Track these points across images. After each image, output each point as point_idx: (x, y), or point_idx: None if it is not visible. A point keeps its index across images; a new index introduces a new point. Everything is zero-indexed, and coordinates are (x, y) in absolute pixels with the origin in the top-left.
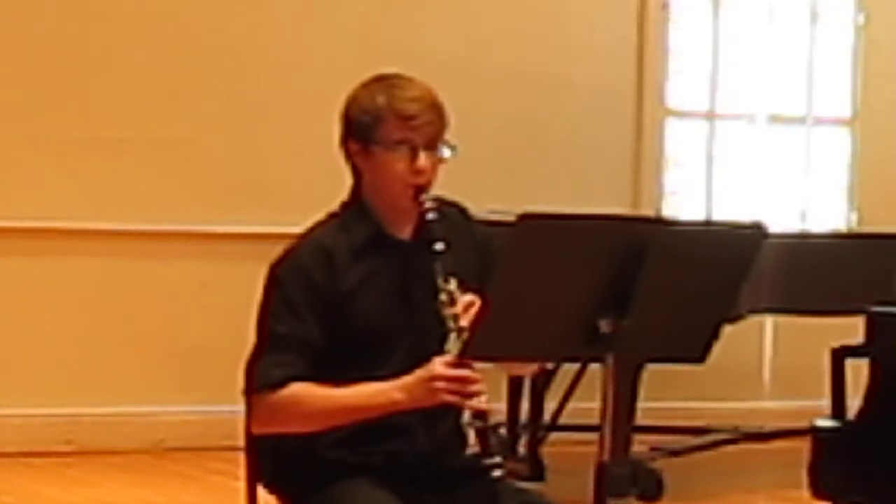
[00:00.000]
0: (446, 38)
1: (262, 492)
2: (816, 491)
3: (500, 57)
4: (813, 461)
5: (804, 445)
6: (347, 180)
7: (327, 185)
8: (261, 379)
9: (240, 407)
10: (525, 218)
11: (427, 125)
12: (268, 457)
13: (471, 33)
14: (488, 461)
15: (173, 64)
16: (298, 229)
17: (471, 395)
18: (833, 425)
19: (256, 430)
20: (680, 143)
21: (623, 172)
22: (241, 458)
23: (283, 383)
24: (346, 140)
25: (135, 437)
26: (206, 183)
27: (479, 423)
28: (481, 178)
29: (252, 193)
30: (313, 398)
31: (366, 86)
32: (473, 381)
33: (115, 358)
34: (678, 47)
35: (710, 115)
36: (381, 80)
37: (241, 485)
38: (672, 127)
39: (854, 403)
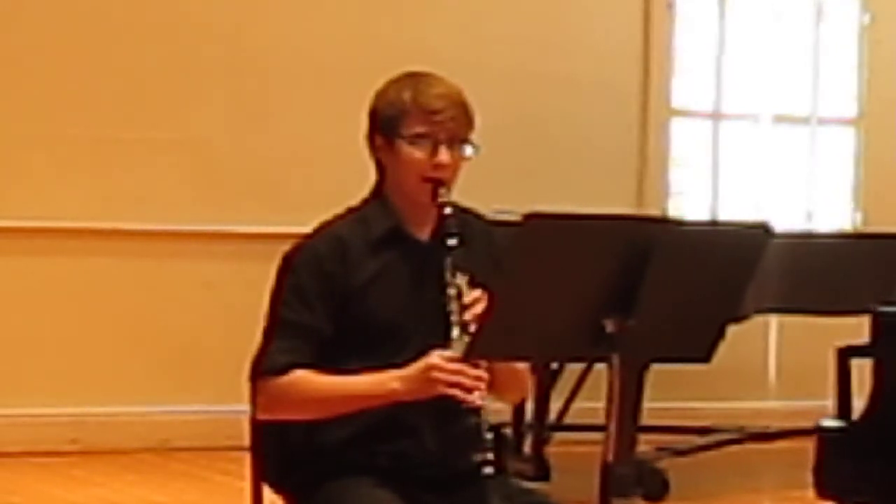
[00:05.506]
0: (451, 38)
1: (267, 491)
2: (822, 491)
3: (505, 57)
4: (818, 461)
5: (809, 445)
6: (353, 179)
7: (332, 184)
8: (265, 364)
9: (245, 406)
10: (530, 218)
11: (450, 121)
12: (273, 456)
13: (476, 33)
14: (479, 457)
15: (177, 63)
16: (303, 229)
17: (468, 389)
18: (838, 425)
19: (260, 416)
20: (685, 142)
21: (628, 172)
22: (247, 457)
23: (286, 369)
24: (371, 135)
25: (140, 437)
26: (210, 183)
27: (474, 419)
28: (486, 177)
29: (257, 193)
30: (314, 385)
31: (394, 81)
32: (472, 375)
33: (120, 358)
34: (683, 47)
35: (716, 115)
36: (410, 77)
37: (247, 484)
38: (677, 127)
39: (859, 403)
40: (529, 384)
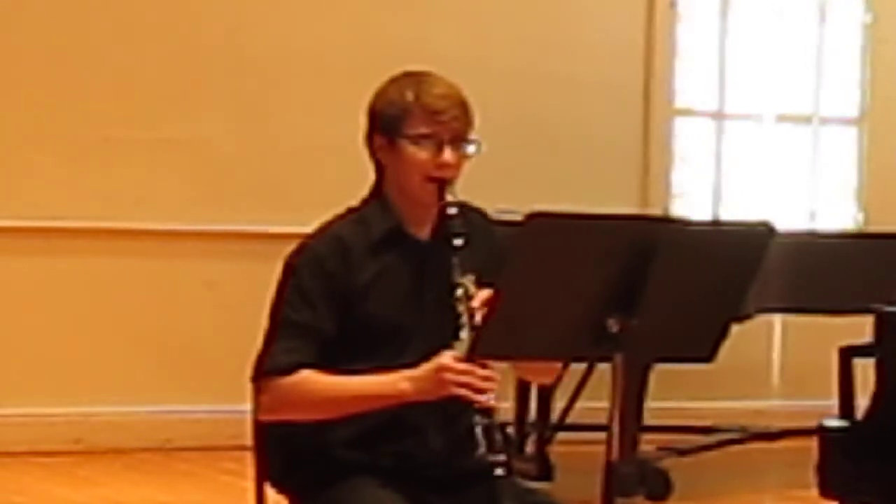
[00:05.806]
0: (454, 38)
1: (270, 491)
2: (824, 491)
3: (508, 56)
4: (821, 461)
5: (812, 445)
6: (355, 179)
7: (332, 184)
8: (269, 364)
9: (248, 406)
10: (533, 217)
11: (454, 121)
12: (277, 456)
13: (479, 33)
14: (492, 458)
15: (181, 63)
16: (305, 229)
17: (479, 390)
18: (841, 425)
19: (263, 417)
20: (688, 142)
21: (631, 171)
22: (250, 457)
23: (290, 369)
24: (371, 134)
25: (143, 437)
26: (212, 182)
27: (484, 420)
28: (490, 177)
29: (259, 193)
30: (320, 385)
31: (394, 81)
32: (482, 376)
33: (123, 357)
34: (686, 46)
35: (719, 115)
36: (410, 76)
37: (250, 484)
38: (680, 126)
39: (862, 403)
40: (559, 366)
